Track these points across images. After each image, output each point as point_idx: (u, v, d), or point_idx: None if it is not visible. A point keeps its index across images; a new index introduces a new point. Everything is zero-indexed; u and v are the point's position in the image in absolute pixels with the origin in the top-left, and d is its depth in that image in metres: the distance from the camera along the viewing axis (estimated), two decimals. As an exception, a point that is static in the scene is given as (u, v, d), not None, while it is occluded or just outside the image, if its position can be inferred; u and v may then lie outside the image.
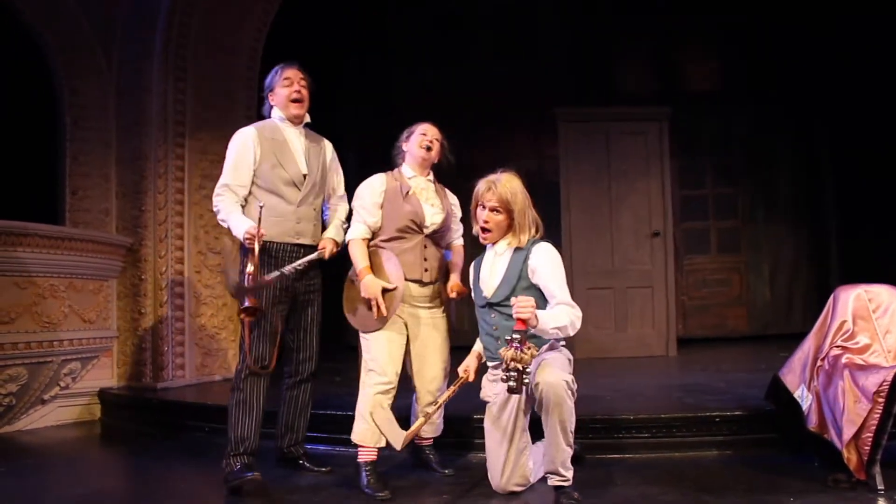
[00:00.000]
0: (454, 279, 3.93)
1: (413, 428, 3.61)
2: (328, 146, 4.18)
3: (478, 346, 3.74)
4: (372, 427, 3.64)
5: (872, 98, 8.00)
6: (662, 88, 8.72)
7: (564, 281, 3.50)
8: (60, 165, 6.31)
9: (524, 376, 3.11)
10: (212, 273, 6.42)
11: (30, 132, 6.48)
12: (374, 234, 3.83)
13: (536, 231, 3.60)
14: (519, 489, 3.54)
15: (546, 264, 3.48)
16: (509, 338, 3.14)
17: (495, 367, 3.55)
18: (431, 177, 4.00)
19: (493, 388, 3.58)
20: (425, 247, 3.82)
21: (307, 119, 4.06)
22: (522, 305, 3.18)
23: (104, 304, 5.98)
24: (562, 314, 3.35)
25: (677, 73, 8.87)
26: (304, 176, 3.95)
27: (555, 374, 3.22)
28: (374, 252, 3.80)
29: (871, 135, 8.13)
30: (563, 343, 3.61)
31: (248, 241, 3.69)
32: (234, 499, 3.59)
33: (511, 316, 3.32)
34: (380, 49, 8.90)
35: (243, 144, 3.90)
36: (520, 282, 3.49)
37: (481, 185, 3.60)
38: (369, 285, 3.65)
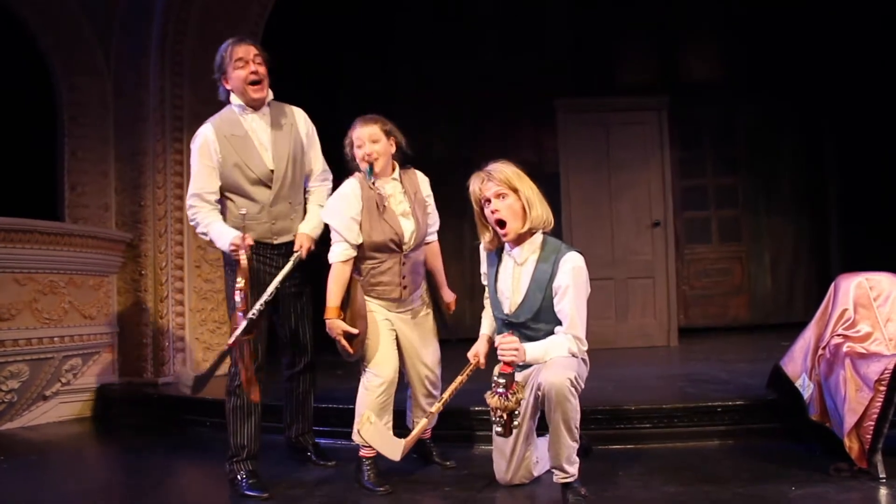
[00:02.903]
0: (446, 294, 3.89)
1: (414, 432, 3.54)
2: (300, 118, 3.85)
3: (486, 329, 3.65)
4: (372, 427, 3.62)
5: (876, 88, 7.95)
6: (663, 78, 8.66)
7: (584, 307, 3.28)
8: (59, 162, 6.29)
9: (513, 419, 3.08)
10: (212, 267, 6.40)
11: (28, 129, 6.46)
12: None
13: (548, 217, 3.36)
14: (524, 482, 3.53)
15: (571, 287, 3.25)
16: (494, 381, 3.07)
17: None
18: (397, 173, 3.74)
19: None
20: (403, 264, 3.66)
21: (270, 97, 3.74)
22: (506, 347, 3.10)
23: (104, 299, 5.98)
24: (559, 348, 3.22)
25: (678, 63, 8.81)
26: (272, 172, 3.68)
27: (557, 373, 3.13)
28: (352, 280, 3.62)
29: (873, 124, 8.09)
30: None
31: (233, 254, 3.47)
32: (237, 495, 3.59)
33: (532, 337, 3.27)
34: (380, 43, 8.86)
35: (203, 148, 3.63)
36: (544, 302, 3.30)
37: (475, 183, 3.37)
38: (332, 328, 3.56)
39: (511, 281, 3.40)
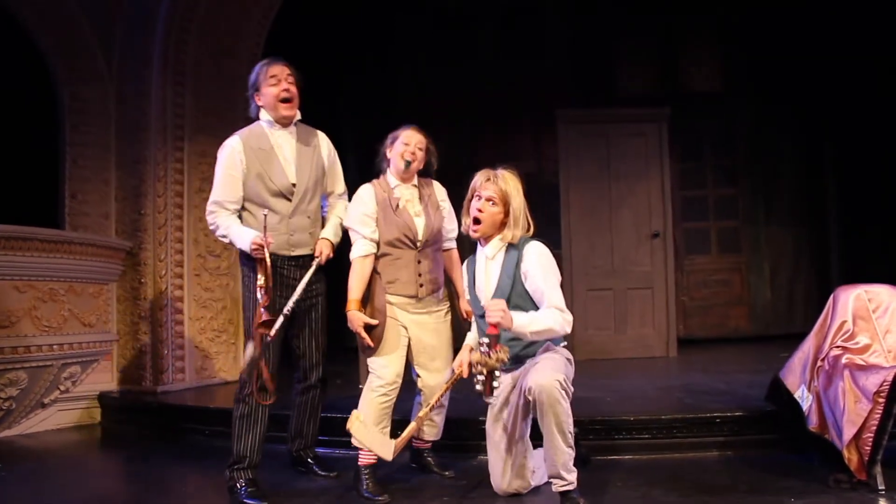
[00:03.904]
0: (464, 304, 3.89)
1: (404, 434, 3.54)
2: (323, 141, 4.02)
3: (470, 340, 3.70)
4: (361, 426, 3.63)
5: (876, 98, 7.99)
6: (663, 89, 8.67)
7: (556, 283, 3.42)
8: (60, 169, 6.30)
9: (492, 380, 3.14)
10: (211, 276, 6.41)
11: (29, 136, 6.48)
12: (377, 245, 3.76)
13: (528, 230, 3.53)
14: (522, 492, 3.53)
15: (537, 267, 3.40)
16: (480, 341, 3.18)
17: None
18: (416, 181, 3.90)
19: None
20: (419, 262, 3.78)
21: (298, 116, 3.90)
22: (494, 309, 3.17)
23: (104, 307, 5.98)
24: (544, 317, 3.29)
25: (678, 74, 8.83)
26: (293, 185, 3.80)
27: (546, 375, 3.18)
28: (373, 278, 3.74)
29: (873, 135, 8.12)
30: (563, 344, 3.57)
31: (255, 252, 3.59)
32: (235, 503, 3.58)
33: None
34: (380, 50, 8.90)
35: (230, 158, 3.77)
36: (514, 288, 3.43)
37: (479, 177, 3.53)
38: (352, 320, 3.65)
39: (484, 275, 3.56)
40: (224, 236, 3.78)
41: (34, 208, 6.07)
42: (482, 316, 3.49)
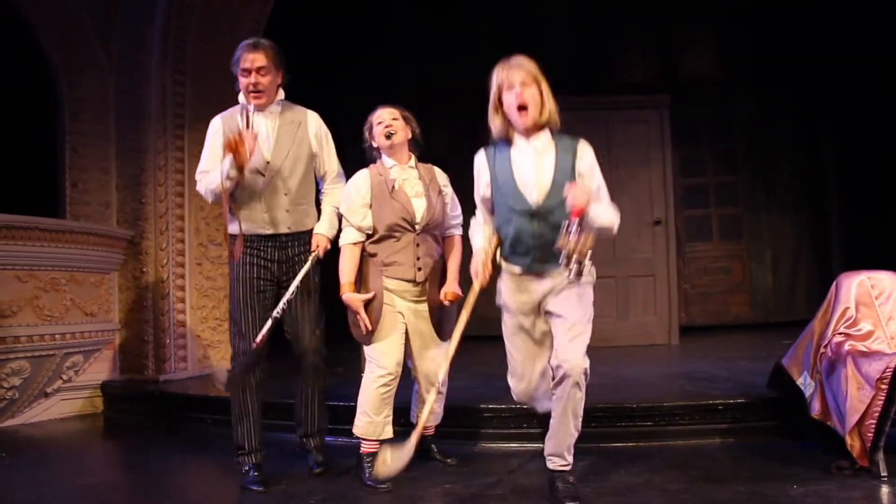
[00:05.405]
0: (449, 285, 3.80)
1: (410, 444, 3.28)
2: (311, 120, 3.96)
3: (483, 243, 3.45)
4: (373, 421, 3.63)
5: (875, 85, 7.96)
6: (664, 76, 8.66)
7: (605, 186, 3.38)
8: (60, 159, 6.29)
9: (582, 266, 3.01)
10: (213, 265, 6.40)
11: (29, 126, 6.46)
12: (369, 234, 3.75)
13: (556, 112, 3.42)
14: (534, 402, 3.45)
15: (593, 170, 3.35)
16: (567, 223, 3.02)
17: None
18: (413, 161, 3.88)
19: (517, 297, 3.36)
20: (418, 245, 3.73)
21: (280, 96, 3.88)
22: (581, 191, 3.08)
23: (106, 296, 5.98)
24: (609, 212, 3.25)
25: (678, 61, 8.81)
26: (268, 163, 3.78)
27: (579, 359, 3.11)
28: (366, 262, 3.74)
29: (872, 121, 8.10)
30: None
31: (230, 141, 3.59)
32: (235, 490, 3.61)
33: (556, 224, 3.13)
34: (380, 39, 8.85)
35: (212, 135, 3.92)
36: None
37: (501, 71, 3.36)
38: (350, 302, 3.65)
39: (534, 170, 3.34)
40: (210, 191, 3.88)
41: (35, 198, 6.06)
42: (526, 214, 3.30)
